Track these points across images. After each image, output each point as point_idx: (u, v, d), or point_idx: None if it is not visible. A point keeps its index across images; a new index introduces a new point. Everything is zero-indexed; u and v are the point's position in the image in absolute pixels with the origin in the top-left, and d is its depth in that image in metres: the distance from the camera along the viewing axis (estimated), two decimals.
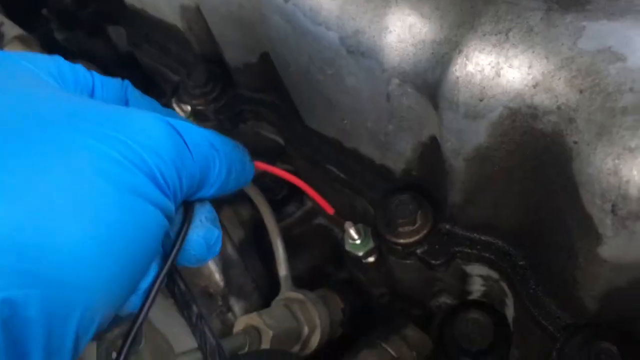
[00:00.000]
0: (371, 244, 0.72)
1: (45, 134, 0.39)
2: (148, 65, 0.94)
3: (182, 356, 0.56)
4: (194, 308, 0.57)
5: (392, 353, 0.69)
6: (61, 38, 1.08)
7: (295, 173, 0.86)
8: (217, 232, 0.51)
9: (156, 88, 1.04)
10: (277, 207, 0.88)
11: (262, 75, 0.76)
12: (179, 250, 0.48)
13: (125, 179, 0.40)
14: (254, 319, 0.68)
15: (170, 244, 0.48)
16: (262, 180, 0.89)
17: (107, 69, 1.04)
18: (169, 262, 0.47)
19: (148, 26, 0.89)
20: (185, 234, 0.49)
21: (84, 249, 0.37)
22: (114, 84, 0.56)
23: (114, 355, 0.45)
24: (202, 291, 0.80)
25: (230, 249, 0.81)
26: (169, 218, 0.45)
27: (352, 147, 0.70)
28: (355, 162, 0.71)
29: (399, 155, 0.64)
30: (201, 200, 0.51)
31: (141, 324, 0.46)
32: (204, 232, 0.50)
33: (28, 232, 0.35)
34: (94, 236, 0.38)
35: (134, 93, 0.60)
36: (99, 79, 0.55)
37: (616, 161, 0.41)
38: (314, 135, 0.74)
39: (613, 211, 0.43)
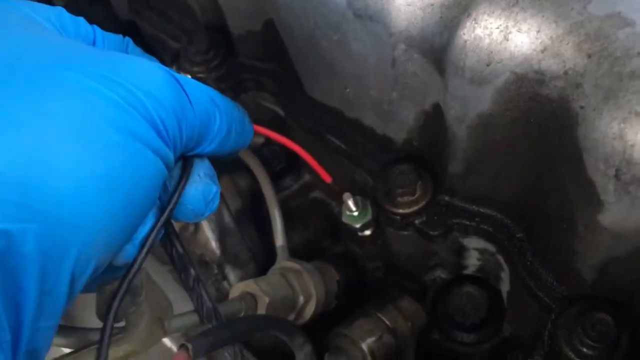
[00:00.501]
0: (369, 217, 0.72)
1: (46, 75, 0.39)
2: (149, 33, 0.94)
3: (178, 317, 0.56)
4: (192, 271, 0.57)
5: (387, 323, 0.69)
6: (62, 4, 1.07)
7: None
8: (215, 188, 0.51)
9: (156, 57, 1.04)
10: (274, 179, 0.88)
11: (265, 44, 0.76)
12: (176, 202, 0.48)
13: (126, 122, 0.40)
14: (250, 285, 0.68)
15: (168, 197, 0.48)
16: (259, 152, 0.89)
17: None
18: (166, 212, 0.47)
19: None
20: (184, 186, 0.49)
21: (83, 188, 0.37)
22: (115, 39, 0.57)
23: None
24: (198, 259, 0.80)
25: (227, 218, 0.80)
26: (168, 167, 0.45)
27: (354, 117, 0.70)
28: (356, 132, 0.71)
29: (402, 124, 0.64)
30: (200, 155, 0.51)
31: (137, 271, 0.46)
32: (202, 187, 0.50)
33: (27, 167, 0.35)
34: (93, 175, 0.38)
35: (135, 50, 0.60)
36: (100, 32, 0.55)
37: (622, 125, 0.41)
38: (316, 106, 0.74)
39: (617, 176, 0.43)
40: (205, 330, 0.55)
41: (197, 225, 0.80)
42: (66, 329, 0.50)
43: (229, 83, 0.82)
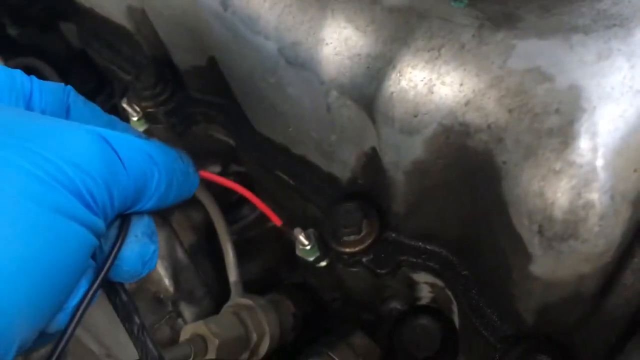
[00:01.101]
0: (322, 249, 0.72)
1: None
2: (100, 63, 0.93)
3: None
4: (136, 319, 0.56)
5: None
6: (14, 34, 1.05)
7: (247, 176, 0.85)
8: (152, 248, 0.50)
9: (110, 85, 1.02)
10: (231, 209, 0.87)
11: (211, 79, 0.75)
12: (109, 267, 0.47)
13: (48, 197, 0.39)
14: (199, 327, 0.68)
15: (104, 257, 0.47)
16: (216, 183, 0.89)
17: (61, 66, 1.02)
18: (97, 282, 0.46)
19: (98, 24, 0.87)
20: (118, 250, 0.48)
21: (0, 269, 0.36)
22: (54, 91, 0.55)
23: None
24: (152, 297, 0.80)
25: (180, 254, 0.80)
26: (98, 235, 0.44)
27: (299, 153, 0.69)
28: (303, 168, 0.70)
29: (344, 164, 0.63)
30: (139, 213, 0.50)
31: (66, 343, 0.45)
32: (138, 247, 0.49)
33: None
34: (11, 256, 0.37)
35: (75, 100, 0.58)
36: (37, 85, 0.53)
37: (541, 183, 0.41)
38: (263, 140, 0.73)
39: (540, 232, 0.43)
40: None
41: None
42: None
43: (179, 116, 0.81)
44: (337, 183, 0.68)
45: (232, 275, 0.77)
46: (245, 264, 0.83)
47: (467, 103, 0.45)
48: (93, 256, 0.47)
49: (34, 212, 0.38)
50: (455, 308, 0.69)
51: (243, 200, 0.91)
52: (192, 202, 0.84)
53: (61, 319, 0.44)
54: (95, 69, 0.99)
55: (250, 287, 0.81)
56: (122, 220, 0.49)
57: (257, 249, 0.88)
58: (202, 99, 0.80)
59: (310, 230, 0.72)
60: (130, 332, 0.56)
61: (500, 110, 0.44)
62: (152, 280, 0.79)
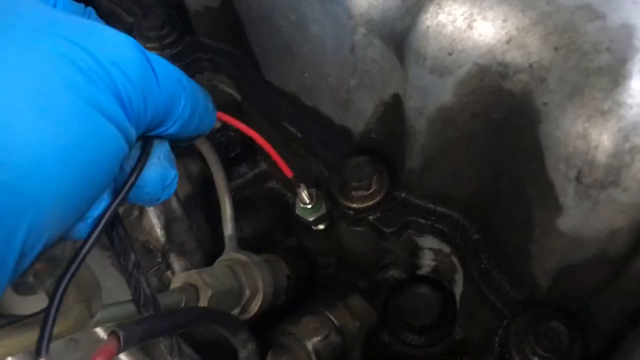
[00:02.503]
0: (323, 210, 0.69)
1: (15, 36, 0.37)
2: (104, 5, 0.89)
3: (112, 306, 0.52)
4: (132, 256, 0.53)
5: (335, 322, 0.66)
6: None
7: None
8: (173, 173, 0.49)
9: None
10: (229, 166, 0.84)
11: (223, 22, 0.72)
12: (134, 182, 0.45)
13: (91, 93, 0.38)
14: (192, 276, 0.64)
15: (124, 179, 0.45)
16: (214, 137, 0.86)
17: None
18: (124, 191, 0.44)
19: None
20: (142, 167, 0.46)
21: (42, 157, 0.35)
22: (77, 8, 0.54)
23: (31, 279, 0.42)
24: (142, 247, 0.76)
25: (174, 204, 0.76)
26: (129, 145, 0.42)
27: (311, 104, 0.66)
28: (313, 121, 0.67)
29: (360, 114, 0.61)
30: (160, 137, 0.49)
31: (88, 250, 0.43)
32: (160, 170, 0.48)
33: None
34: (53, 145, 0.36)
35: (97, 21, 0.56)
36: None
37: (586, 124, 0.39)
38: (273, 90, 0.70)
39: (578, 178, 0.41)
40: (140, 319, 0.51)
41: (141, 210, 0.76)
42: None
43: (184, 61, 0.78)
44: (349, 137, 0.65)
45: (228, 228, 0.74)
46: (239, 221, 0.80)
47: (508, 41, 0.43)
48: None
49: (77, 105, 0.37)
50: (458, 277, 0.67)
51: (241, 157, 0.88)
52: (190, 153, 0.81)
53: (82, 228, 0.43)
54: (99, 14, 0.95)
55: (242, 246, 0.78)
56: (144, 141, 0.47)
57: (252, 209, 0.85)
58: (211, 44, 0.77)
59: (313, 190, 0.70)
60: (124, 268, 0.53)
61: (545, 49, 0.41)
62: (143, 229, 0.76)
